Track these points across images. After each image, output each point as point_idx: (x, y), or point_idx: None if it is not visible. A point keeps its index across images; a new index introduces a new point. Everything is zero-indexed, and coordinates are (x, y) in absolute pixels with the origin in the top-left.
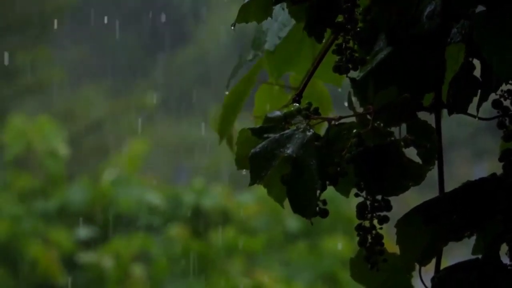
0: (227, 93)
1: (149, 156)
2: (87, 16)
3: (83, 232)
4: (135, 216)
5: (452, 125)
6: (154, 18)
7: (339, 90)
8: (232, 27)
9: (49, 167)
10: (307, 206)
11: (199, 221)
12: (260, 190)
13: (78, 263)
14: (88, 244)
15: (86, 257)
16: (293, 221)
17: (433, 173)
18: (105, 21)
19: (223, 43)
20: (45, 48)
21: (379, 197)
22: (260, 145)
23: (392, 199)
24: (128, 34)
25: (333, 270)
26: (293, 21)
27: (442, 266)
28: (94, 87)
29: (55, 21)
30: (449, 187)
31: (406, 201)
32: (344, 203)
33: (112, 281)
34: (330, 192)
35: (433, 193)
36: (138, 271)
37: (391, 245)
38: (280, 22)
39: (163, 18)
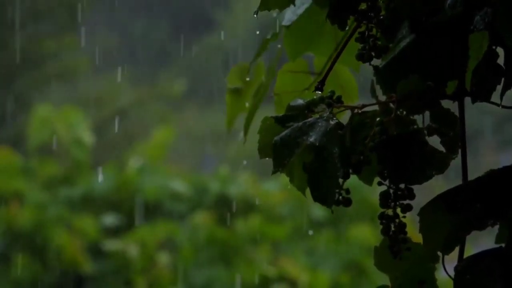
0: (248, 79)
1: (176, 144)
2: (114, 4)
3: (109, 219)
4: (160, 204)
5: (478, 114)
6: (180, 5)
7: (361, 78)
8: (255, 15)
9: (75, 155)
10: (328, 194)
11: (225, 209)
12: (285, 178)
13: (103, 251)
14: (113, 232)
15: (111, 245)
16: (318, 209)
17: (460, 161)
18: (132, 9)
19: (249, 30)
20: (72, 36)
21: (402, 185)
22: (283, 133)
23: (419, 188)
24: (154, 22)
25: (359, 259)
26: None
27: (468, 255)
28: (120, 75)
29: (82, 9)
30: (475, 176)
31: (432, 190)
32: (370, 191)
33: (138, 269)
34: (356, 180)
35: (460, 182)
36: (163, 259)
37: (417, 235)
38: (299, 1)
39: (189, 5)
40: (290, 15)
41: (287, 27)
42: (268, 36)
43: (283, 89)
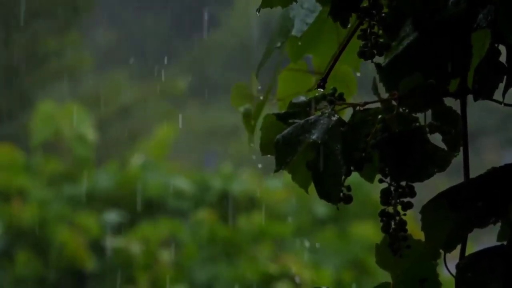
0: (259, 87)
1: (179, 142)
2: (116, 1)
3: (111, 217)
4: (163, 201)
5: (480, 112)
6: (183, 3)
7: (362, 75)
8: (257, 12)
9: (78, 152)
10: (332, 191)
11: (227, 206)
12: (288, 175)
13: (106, 248)
14: (116, 229)
15: (114, 242)
16: (321, 207)
17: (462, 159)
18: (134, 6)
19: (251, 27)
20: (75, 33)
21: (403, 183)
22: (285, 132)
23: (420, 185)
24: (156, 19)
25: (361, 256)
26: (319, 7)
27: (470, 253)
28: (122, 72)
29: (84, 7)
30: (477, 173)
31: (434, 188)
32: (373, 189)
33: (140, 266)
34: (358, 177)
35: (462, 180)
36: (166, 256)
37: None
38: (306, 9)
39: (191, 2)
40: (299, 24)
41: (298, 38)
42: (277, 45)
43: (285, 93)
